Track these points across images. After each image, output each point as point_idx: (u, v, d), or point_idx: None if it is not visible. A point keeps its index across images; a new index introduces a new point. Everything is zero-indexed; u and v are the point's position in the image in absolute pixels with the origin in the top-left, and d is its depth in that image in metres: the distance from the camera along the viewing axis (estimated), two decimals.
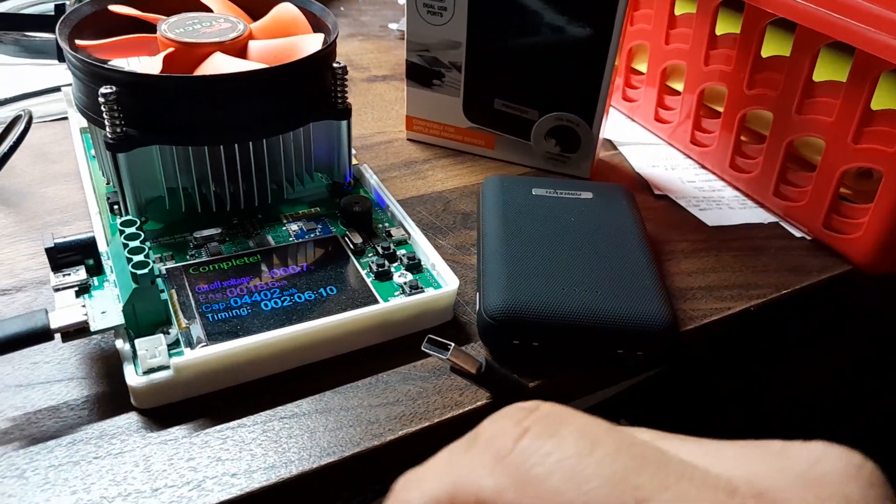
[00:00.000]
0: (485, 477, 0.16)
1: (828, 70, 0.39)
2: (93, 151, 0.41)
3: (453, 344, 0.29)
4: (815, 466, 0.15)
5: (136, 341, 0.28)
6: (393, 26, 0.65)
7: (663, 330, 0.31)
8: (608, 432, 0.15)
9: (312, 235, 0.36)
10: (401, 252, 0.36)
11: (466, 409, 0.30)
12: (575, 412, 0.16)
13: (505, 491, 0.15)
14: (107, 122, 0.33)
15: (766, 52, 0.42)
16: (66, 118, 0.47)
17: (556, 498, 0.14)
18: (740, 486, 0.14)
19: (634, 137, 0.51)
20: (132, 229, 0.31)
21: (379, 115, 0.52)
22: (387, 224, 0.38)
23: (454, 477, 0.16)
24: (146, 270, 0.29)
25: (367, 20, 0.67)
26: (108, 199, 0.37)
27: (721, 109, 0.45)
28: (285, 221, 0.37)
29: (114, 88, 0.32)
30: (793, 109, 0.40)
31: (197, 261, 0.34)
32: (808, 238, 0.42)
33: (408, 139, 0.49)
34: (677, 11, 0.47)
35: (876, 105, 0.37)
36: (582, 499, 0.14)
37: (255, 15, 0.41)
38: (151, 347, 0.28)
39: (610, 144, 0.50)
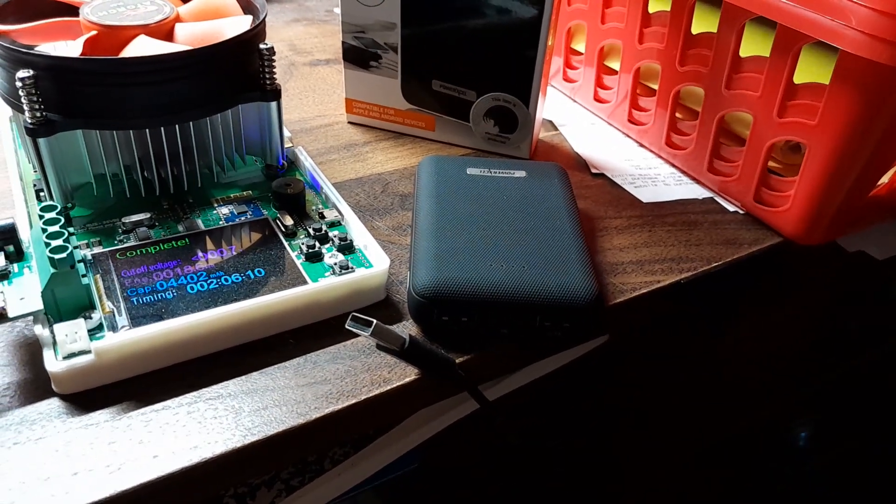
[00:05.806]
0: None
1: (754, 45, 0.40)
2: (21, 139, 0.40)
3: (375, 321, 0.29)
4: None
5: (55, 326, 0.28)
6: (338, 10, 0.65)
7: (587, 303, 0.31)
8: None
9: (244, 218, 0.36)
10: (333, 233, 0.35)
11: (395, 385, 0.30)
12: None
13: None
14: (26, 107, 0.32)
15: (696, 29, 0.42)
16: None
17: None
18: None
19: (575, 118, 0.51)
20: (52, 214, 0.30)
21: (320, 98, 0.51)
22: (320, 206, 0.38)
23: None
24: (64, 255, 0.28)
25: (312, 5, 0.67)
26: (35, 186, 0.37)
27: (657, 87, 0.46)
28: (216, 205, 0.37)
29: (31, 72, 0.31)
30: (722, 85, 0.41)
31: (124, 245, 0.34)
32: (742, 212, 0.43)
33: (349, 122, 0.49)
34: None
35: (798, 79, 0.37)
36: None
37: None
38: (71, 332, 0.28)
39: (551, 125, 0.50)
